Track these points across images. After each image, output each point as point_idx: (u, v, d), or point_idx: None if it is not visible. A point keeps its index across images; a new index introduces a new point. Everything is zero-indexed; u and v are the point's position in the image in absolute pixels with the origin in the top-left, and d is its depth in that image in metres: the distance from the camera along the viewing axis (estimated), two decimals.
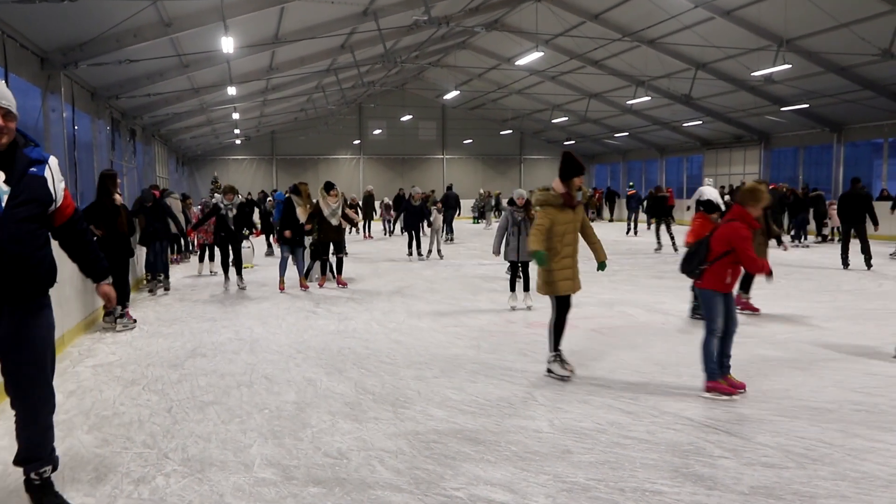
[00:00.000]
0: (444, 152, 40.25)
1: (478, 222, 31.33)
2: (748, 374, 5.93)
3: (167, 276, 11.38)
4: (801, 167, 26.49)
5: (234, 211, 10.92)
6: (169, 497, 3.66)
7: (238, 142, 36.00)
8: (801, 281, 11.73)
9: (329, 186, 11.29)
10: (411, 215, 16.25)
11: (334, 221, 11.16)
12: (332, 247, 11.52)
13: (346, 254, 11.47)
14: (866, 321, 8.26)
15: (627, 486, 3.74)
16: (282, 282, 11.18)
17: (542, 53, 19.07)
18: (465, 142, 39.63)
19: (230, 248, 11.14)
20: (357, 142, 38.89)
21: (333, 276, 11.74)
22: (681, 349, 6.89)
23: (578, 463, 4.07)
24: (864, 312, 8.83)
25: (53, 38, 11.61)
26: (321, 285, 11.47)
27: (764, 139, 27.69)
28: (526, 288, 9.35)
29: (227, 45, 12.85)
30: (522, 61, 20.77)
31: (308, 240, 11.59)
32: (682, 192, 33.33)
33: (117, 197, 8.68)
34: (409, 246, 16.28)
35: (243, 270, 11.54)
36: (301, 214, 11.17)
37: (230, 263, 11.21)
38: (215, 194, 13.69)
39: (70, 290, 7.52)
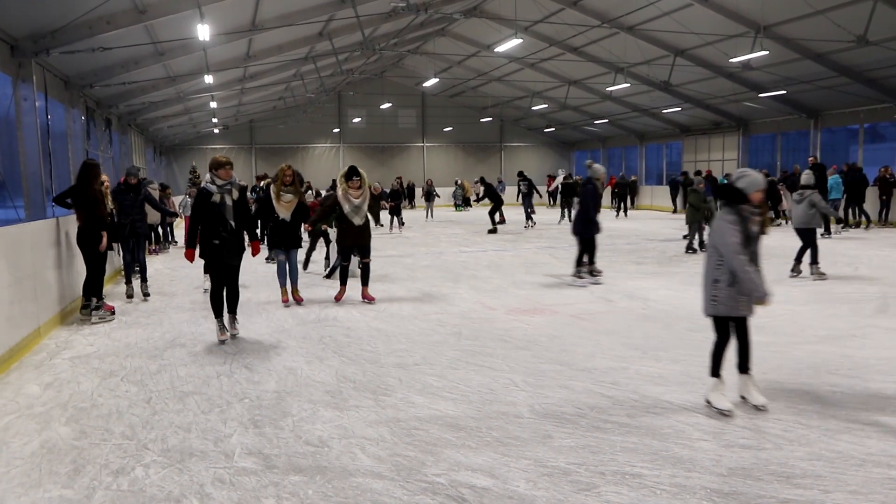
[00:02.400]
0: (424, 140, 40.12)
1: (460, 210, 31.30)
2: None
3: (145, 279, 9.78)
4: (779, 153, 26.73)
5: (236, 195, 6.86)
6: (149, 488, 3.63)
7: (216, 131, 35.61)
8: (779, 265, 11.86)
9: (352, 173, 8.73)
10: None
11: (358, 220, 8.68)
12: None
13: (370, 259, 9.01)
14: (841, 304, 8.37)
15: (608, 470, 3.77)
16: (284, 293, 8.96)
17: (521, 40, 19.01)
18: (445, 129, 39.51)
19: (227, 268, 6.97)
20: (337, 130, 38.63)
21: (332, 273, 10.24)
22: (661, 334, 6.95)
23: (559, 447, 4.09)
24: (839, 296, 8.95)
25: (23, 24, 11.37)
26: (338, 299, 9.07)
27: (742, 126, 27.90)
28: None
29: (203, 32, 12.65)
30: (502, 48, 20.69)
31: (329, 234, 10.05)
32: (661, 178, 33.53)
33: (105, 179, 8.57)
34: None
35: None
36: (282, 208, 8.72)
37: (223, 298, 6.98)
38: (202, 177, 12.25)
39: (46, 282, 7.41)
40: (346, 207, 8.68)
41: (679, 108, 27.78)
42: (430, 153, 40.17)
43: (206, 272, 9.47)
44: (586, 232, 10.37)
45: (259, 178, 17.40)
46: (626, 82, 24.06)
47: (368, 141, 39.18)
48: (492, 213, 20.13)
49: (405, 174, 35.11)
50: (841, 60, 19.35)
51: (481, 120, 38.79)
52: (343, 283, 9.24)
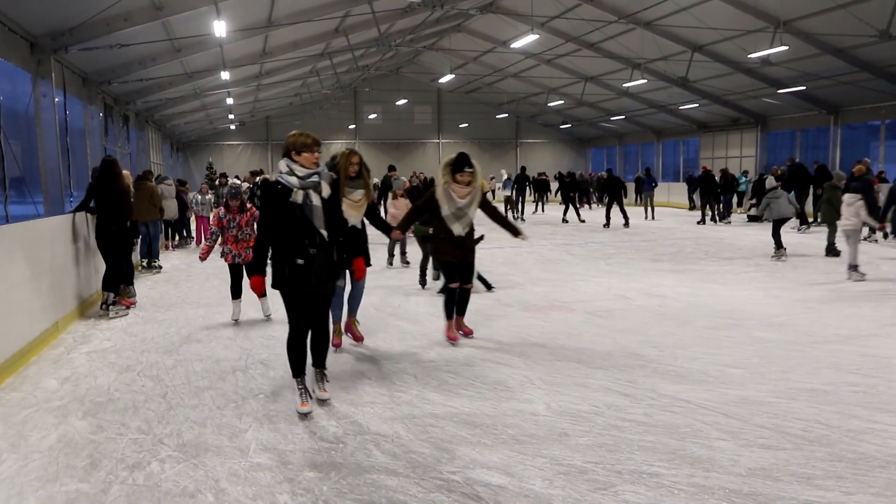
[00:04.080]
0: (439, 136, 40.11)
1: None
2: (744, 356, 5.92)
3: (129, 284, 8.92)
4: (798, 150, 26.43)
5: (326, 191, 4.76)
6: (164, 483, 3.64)
7: (232, 127, 35.82)
8: (798, 263, 11.73)
9: (463, 162, 6.24)
10: None
11: (459, 229, 6.30)
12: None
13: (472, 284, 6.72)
14: (862, 303, 8.25)
15: (625, 469, 3.73)
16: (338, 330, 6.29)
17: (537, 36, 18.94)
18: (460, 126, 39.48)
19: (313, 300, 4.81)
20: (352, 126, 38.71)
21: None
22: (678, 332, 6.88)
23: (575, 446, 4.05)
24: (859, 294, 8.83)
25: (43, 22, 11.47)
26: (453, 339, 6.52)
27: (761, 122, 27.62)
28: None
29: (220, 28, 12.71)
30: (518, 44, 20.63)
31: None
32: (679, 175, 33.28)
33: (126, 173, 8.64)
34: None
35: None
36: (351, 210, 5.81)
37: (306, 346, 4.89)
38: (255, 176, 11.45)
39: (65, 277, 7.47)
40: (446, 209, 6.26)
41: (696, 105, 27.55)
42: (446, 149, 40.13)
43: (234, 296, 7.70)
44: None
45: (254, 174, 15.61)
46: (642, 78, 23.92)
47: (384, 137, 39.22)
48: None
49: (421, 171, 35.14)
50: (862, 55, 19.09)
51: (497, 116, 38.71)
52: (450, 314, 6.57)
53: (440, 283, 8.62)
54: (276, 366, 5.85)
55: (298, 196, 4.60)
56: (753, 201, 20.73)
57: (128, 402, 4.93)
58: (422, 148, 40.01)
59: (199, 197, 15.67)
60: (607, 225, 19.52)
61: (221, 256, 7.79)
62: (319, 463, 3.87)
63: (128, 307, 8.42)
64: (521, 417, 4.53)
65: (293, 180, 4.63)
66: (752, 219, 20.95)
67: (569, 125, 38.22)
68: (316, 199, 4.67)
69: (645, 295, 9.00)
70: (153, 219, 11.83)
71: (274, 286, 4.71)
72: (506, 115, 38.57)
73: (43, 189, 11.75)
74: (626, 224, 19.35)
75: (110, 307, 8.09)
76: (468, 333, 6.78)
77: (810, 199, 19.25)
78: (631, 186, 27.94)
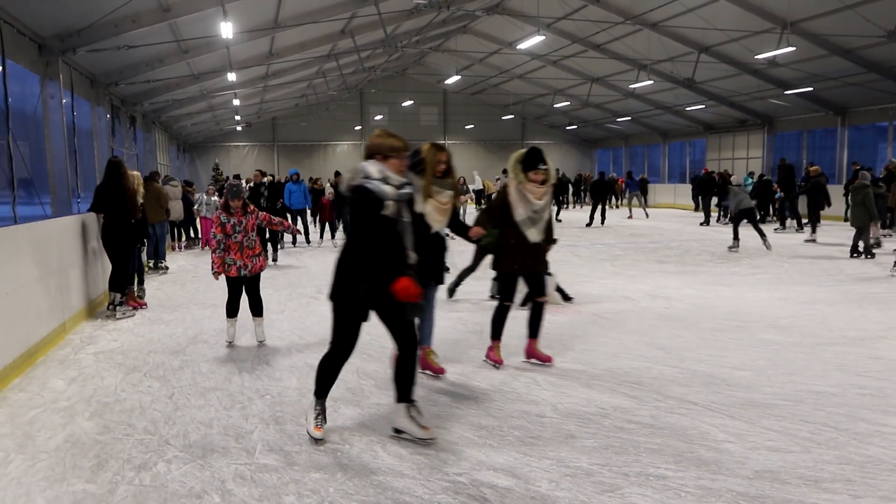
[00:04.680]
0: (445, 137, 40.08)
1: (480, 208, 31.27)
2: (751, 358, 5.90)
3: (130, 288, 8.68)
4: (805, 151, 26.32)
5: (419, 205, 4.83)
6: (170, 483, 3.64)
7: (239, 128, 35.88)
8: (805, 265, 11.69)
9: (536, 159, 5.63)
10: None
11: (535, 235, 5.60)
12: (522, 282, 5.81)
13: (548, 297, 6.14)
14: (870, 305, 8.21)
15: (631, 471, 3.72)
16: (430, 358, 5.48)
17: (543, 37, 18.93)
18: (466, 127, 39.47)
19: (395, 325, 4.26)
20: (358, 127, 38.74)
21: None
22: (684, 334, 6.86)
23: (582, 448, 4.04)
24: (867, 296, 8.79)
25: (51, 23, 11.51)
26: (497, 362, 5.76)
27: (767, 123, 27.53)
28: None
29: (227, 30, 12.74)
30: (524, 45, 20.59)
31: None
32: (685, 177, 33.18)
33: (136, 174, 8.64)
34: None
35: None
36: (436, 215, 5.08)
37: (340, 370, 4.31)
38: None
39: (72, 278, 7.50)
40: (521, 212, 5.52)
41: (703, 106, 27.48)
42: (452, 151, 39.87)
43: (230, 315, 6.70)
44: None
45: (262, 173, 14.51)
46: (649, 79, 23.86)
47: None
48: None
49: None
50: (870, 56, 19.00)
51: (503, 117, 38.68)
52: (498, 334, 5.82)
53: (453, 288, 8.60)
54: (282, 367, 5.86)
55: (391, 209, 3.94)
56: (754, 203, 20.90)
57: (134, 403, 4.94)
58: None
59: (206, 198, 15.65)
60: (589, 224, 20.84)
61: (214, 270, 6.51)
62: (325, 464, 3.87)
63: (137, 308, 8.44)
64: (528, 419, 4.52)
65: (387, 190, 3.92)
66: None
67: (575, 126, 38.15)
68: (407, 215, 4.06)
69: (651, 297, 8.97)
70: (160, 220, 11.88)
71: (335, 299, 4.10)
72: (512, 116, 38.54)
73: (51, 190, 11.80)
74: (602, 222, 21.12)
75: (117, 307, 8.11)
76: (546, 360, 5.77)
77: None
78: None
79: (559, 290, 8.45)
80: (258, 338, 6.73)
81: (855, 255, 12.26)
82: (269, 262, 12.12)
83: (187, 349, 6.53)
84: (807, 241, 15.26)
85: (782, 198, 19.35)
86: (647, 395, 4.97)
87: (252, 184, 13.92)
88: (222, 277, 6.56)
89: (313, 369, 5.69)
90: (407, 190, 4.05)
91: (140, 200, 8.78)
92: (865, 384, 5.13)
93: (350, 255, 4.02)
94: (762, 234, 13.76)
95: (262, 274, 6.80)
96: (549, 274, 6.19)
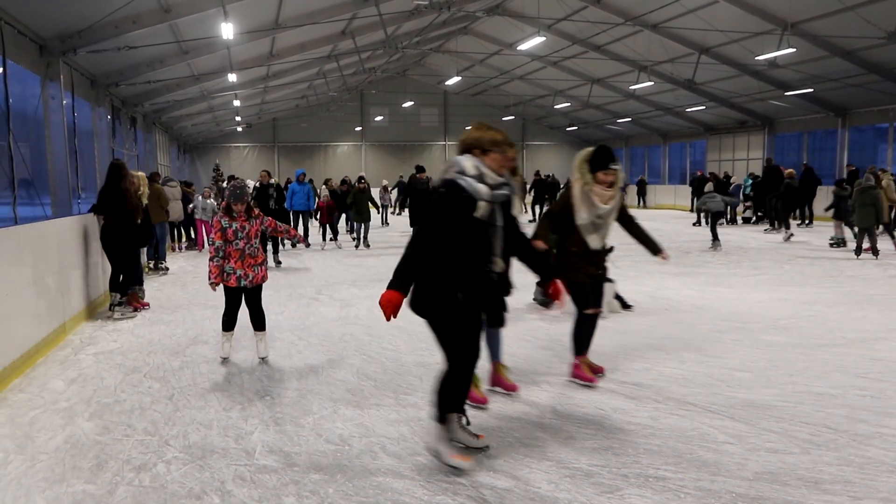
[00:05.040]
0: (446, 139, 40.10)
1: None
2: (751, 359, 5.90)
3: (133, 290, 8.58)
4: (806, 152, 26.33)
5: (517, 207, 4.20)
6: (170, 484, 3.64)
7: (239, 129, 35.90)
8: (805, 266, 11.69)
9: (606, 158, 5.15)
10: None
11: (597, 241, 5.25)
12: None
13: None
14: (870, 306, 8.21)
15: (631, 472, 3.72)
16: (477, 387, 4.80)
17: (543, 38, 18.94)
18: (467, 128, 39.13)
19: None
20: (359, 128, 38.76)
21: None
22: (684, 335, 6.86)
23: (581, 449, 4.04)
24: (868, 298, 8.78)
25: (52, 24, 11.53)
26: (588, 379, 5.23)
27: (768, 124, 27.53)
28: None
29: (227, 31, 12.76)
30: (524, 46, 20.60)
31: None
32: (685, 178, 33.19)
33: (141, 175, 8.62)
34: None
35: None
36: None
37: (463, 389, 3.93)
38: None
39: (72, 279, 7.50)
40: (584, 216, 5.14)
41: (703, 107, 27.49)
42: (453, 152, 39.96)
43: (226, 328, 6.16)
44: None
45: (268, 174, 13.90)
46: (649, 80, 23.87)
47: (390, 139, 39.26)
48: None
49: (429, 173, 35.11)
50: (870, 57, 19.01)
51: (503, 118, 38.64)
52: (583, 348, 5.34)
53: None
54: (282, 368, 5.86)
55: (483, 210, 3.60)
56: (749, 204, 21.17)
57: (134, 404, 4.94)
58: (428, 150, 40.00)
59: (201, 201, 15.31)
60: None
61: (212, 280, 5.92)
62: (325, 465, 3.87)
63: (137, 309, 8.44)
64: (528, 420, 4.52)
65: (482, 189, 3.60)
66: (745, 220, 22.04)
67: (575, 127, 38.17)
68: (500, 219, 3.71)
69: (651, 298, 8.97)
70: (160, 220, 11.88)
71: (431, 312, 3.79)
72: (512, 117, 38.53)
73: (51, 191, 11.81)
74: None
75: (115, 308, 8.11)
76: (599, 371, 5.41)
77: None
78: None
79: (618, 297, 8.10)
80: (260, 354, 6.12)
81: (858, 255, 12.34)
82: (272, 264, 12.08)
83: (187, 350, 6.53)
84: (784, 239, 15.96)
85: (770, 198, 19.71)
86: (647, 396, 4.97)
87: (258, 184, 13.11)
88: (220, 287, 6.06)
89: (314, 370, 5.72)
90: (504, 191, 3.66)
91: (144, 202, 8.78)
92: (866, 385, 5.13)
93: (433, 261, 3.64)
94: (715, 237, 14.55)
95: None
96: (610, 280, 5.91)
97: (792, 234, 16.11)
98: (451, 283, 3.63)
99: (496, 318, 3.89)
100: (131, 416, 4.69)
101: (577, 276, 5.18)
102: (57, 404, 4.96)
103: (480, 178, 3.61)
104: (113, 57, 13.83)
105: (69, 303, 7.35)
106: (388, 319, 3.69)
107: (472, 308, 3.69)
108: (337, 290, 9.92)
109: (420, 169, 16.90)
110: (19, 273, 5.89)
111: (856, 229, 12.67)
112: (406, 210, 16.71)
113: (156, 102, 21.21)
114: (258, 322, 6.14)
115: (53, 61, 11.90)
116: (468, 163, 3.65)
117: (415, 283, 3.72)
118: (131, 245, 8.37)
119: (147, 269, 11.70)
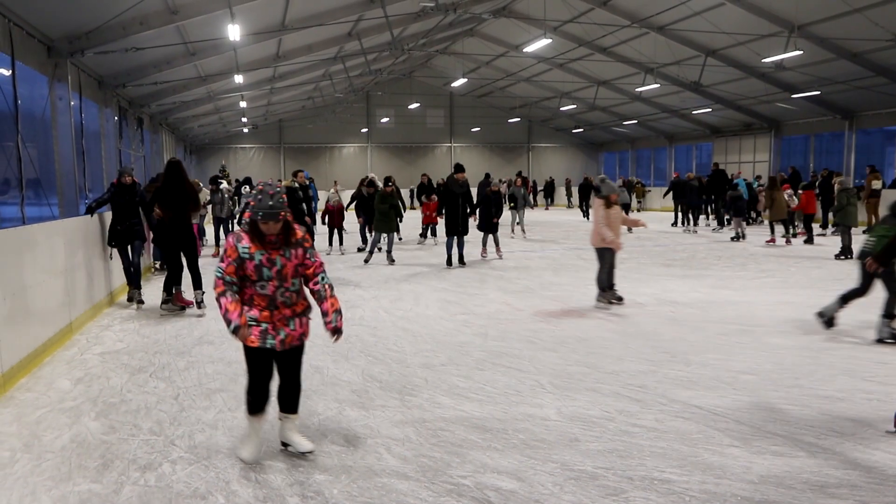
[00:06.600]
0: (451, 140, 40.12)
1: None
2: (757, 362, 5.88)
3: (138, 286, 8.93)
4: (812, 155, 26.26)
5: None
6: (175, 484, 3.65)
7: (245, 130, 36.00)
8: (811, 269, 11.65)
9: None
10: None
11: None
12: None
13: None
14: (876, 309, 8.15)
15: (636, 475, 3.71)
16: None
17: (549, 40, 18.91)
18: (472, 130, 39.49)
19: None
20: (365, 130, 38.82)
21: None
22: (690, 338, 6.84)
23: (586, 451, 4.04)
24: (874, 301, 8.72)
25: (59, 25, 11.58)
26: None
27: (774, 127, 27.46)
28: None
29: (234, 32, 12.80)
30: (530, 48, 20.61)
31: None
32: None
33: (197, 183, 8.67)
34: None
35: None
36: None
37: None
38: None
39: (79, 279, 7.53)
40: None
41: (709, 109, 27.44)
42: (458, 154, 40.17)
43: (252, 409, 3.94)
44: None
45: (295, 174, 13.57)
46: (655, 83, 23.84)
47: (396, 141, 39.31)
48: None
49: (433, 175, 35.06)
50: (878, 60, 18.95)
51: (509, 120, 38.71)
52: None
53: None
54: None
55: None
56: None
57: (140, 404, 4.96)
58: (434, 152, 40.04)
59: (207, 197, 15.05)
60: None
61: (234, 332, 3.65)
62: (330, 466, 3.87)
63: (185, 307, 8.51)
64: (532, 422, 4.52)
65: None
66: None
67: (581, 130, 38.15)
68: None
69: (657, 300, 8.96)
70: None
71: None
72: (518, 119, 38.56)
73: (58, 191, 11.85)
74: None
75: (163, 306, 8.36)
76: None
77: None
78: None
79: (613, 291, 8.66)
80: (300, 448, 3.96)
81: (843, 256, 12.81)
82: None
83: (193, 350, 6.55)
84: (732, 238, 16.68)
85: (715, 199, 21.10)
86: (653, 398, 4.96)
87: (293, 184, 11.93)
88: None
89: (318, 371, 5.73)
90: None
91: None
92: (872, 389, 5.11)
93: None
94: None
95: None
96: None
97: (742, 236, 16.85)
98: None
99: None
100: (137, 415, 4.71)
101: None
102: (63, 403, 4.98)
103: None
104: (120, 58, 13.89)
105: (76, 302, 7.37)
106: None
107: None
108: (342, 291, 9.92)
109: (459, 168, 12.69)
110: (26, 273, 5.92)
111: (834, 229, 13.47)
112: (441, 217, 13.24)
113: (162, 103, 21.28)
114: (289, 400, 4.02)
115: (61, 62, 11.94)
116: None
117: None
118: (181, 245, 8.41)
119: (153, 270, 11.73)
